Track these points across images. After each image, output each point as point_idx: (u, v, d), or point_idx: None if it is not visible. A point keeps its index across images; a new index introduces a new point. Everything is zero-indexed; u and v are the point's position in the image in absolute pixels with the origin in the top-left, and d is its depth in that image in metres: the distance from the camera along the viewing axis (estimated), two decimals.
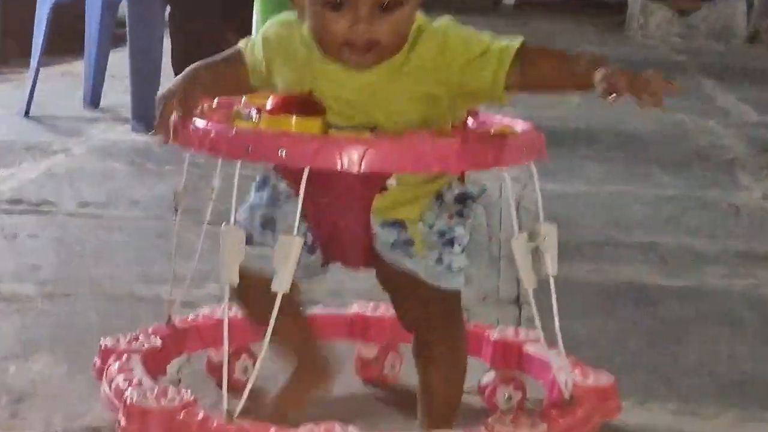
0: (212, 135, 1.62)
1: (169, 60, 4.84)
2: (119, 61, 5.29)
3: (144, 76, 4.71)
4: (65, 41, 5.48)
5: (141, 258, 3.08)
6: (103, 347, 1.95)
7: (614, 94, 1.55)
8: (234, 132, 1.63)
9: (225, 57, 1.82)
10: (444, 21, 1.73)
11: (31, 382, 2.17)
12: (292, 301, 1.78)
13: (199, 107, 1.75)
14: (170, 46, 4.90)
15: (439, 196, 1.78)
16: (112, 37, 5.23)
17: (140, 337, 1.96)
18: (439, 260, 1.75)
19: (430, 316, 1.82)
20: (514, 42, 1.66)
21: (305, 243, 1.73)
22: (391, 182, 1.71)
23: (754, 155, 4.93)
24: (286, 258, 1.58)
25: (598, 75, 1.56)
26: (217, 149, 1.62)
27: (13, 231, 3.23)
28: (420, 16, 1.72)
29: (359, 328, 2.19)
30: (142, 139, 4.59)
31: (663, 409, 2.21)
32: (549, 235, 1.78)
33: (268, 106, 1.71)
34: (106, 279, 2.88)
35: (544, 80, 1.69)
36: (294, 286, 1.69)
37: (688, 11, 10.43)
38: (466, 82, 1.69)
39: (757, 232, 3.64)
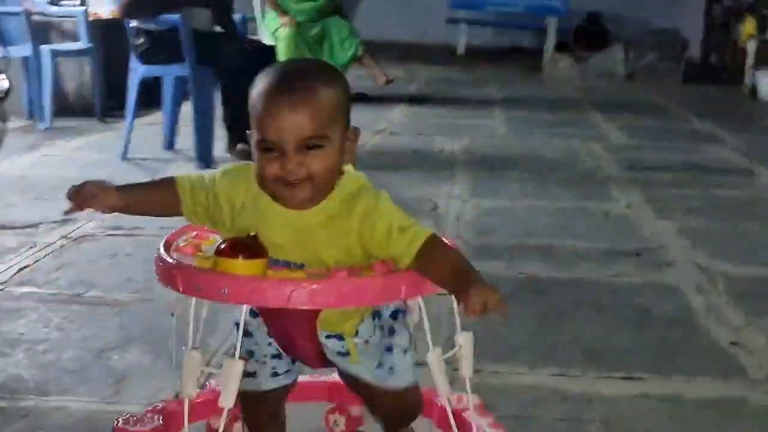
0: (173, 272, 1.41)
1: (221, 115, 4.86)
2: (187, 114, 5.11)
3: (203, 129, 4.68)
4: (150, 99, 5.40)
5: None
6: (115, 426, 1.65)
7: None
8: (186, 272, 1.40)
9: (158, 180, 1.56)
10: (381, 193, 1.45)
11: (127, 367, 2.21)
12: (274, 409, 1.64)
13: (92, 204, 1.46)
14: (221, 106, 4.90)
15: (376, 313, 1.53)
16: (182, 97, 5.15)
17: (146, 417, 1.66)
18: (380, 365, 1.53)
19: (388, 411, 1.62)
20: (423, 233, 1.41)
21: (276, 355, 1.56)
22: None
23: (622, 172, 4.85)
24: (228, 379, 1.38)
25: (461, 306, 1.33)
26: (175, 286, 1.39)
27: (113, 251, 3.16)
28: (363, 178, 1.48)
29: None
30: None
31: (546, 373, 2.27)
32: (465, 344, 1.54)
33: (217, 249, 1.43)
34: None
35: (430, 276, 1.40)
36: (278, 396, 1.60)
37: (583, 58, 10.31)
38: (379, 250, 1.43)
39: (619, 234, 3.59)
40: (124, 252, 3.18)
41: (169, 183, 1.51)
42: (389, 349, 1.54)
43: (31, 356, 2.26)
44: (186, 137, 5.19)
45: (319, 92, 1.39)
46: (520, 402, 2.10)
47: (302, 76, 1.41)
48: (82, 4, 6.24)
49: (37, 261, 3.03)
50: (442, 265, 1.38)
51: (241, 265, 1.39)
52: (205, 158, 4.60)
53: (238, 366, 1.38)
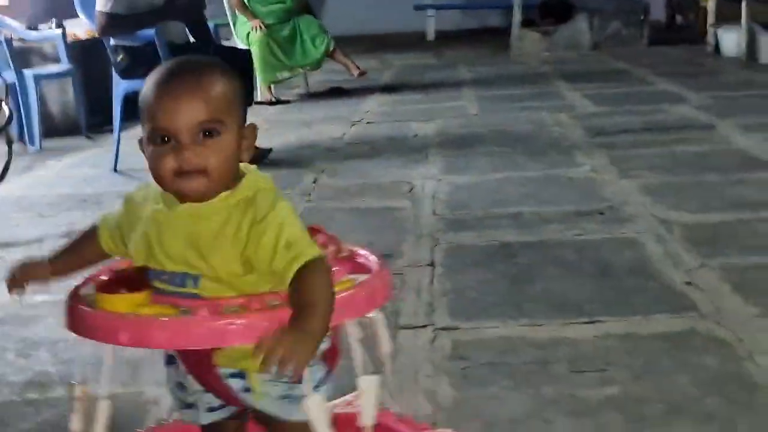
0: (70, 316, 1.37)
1: None
2: None
3: None
4: (134, 113, 5.51)
5: None
6: None
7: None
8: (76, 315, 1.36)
9: (84, 233, 1.50)
10: (280, 200, 1.35)
11: (140, 357, 2.37)
12: None
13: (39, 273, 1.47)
14: None
15: None
16: None
17: None
18: (285, 397, 1.39)
19: None
20: (308, 255, 1.29)
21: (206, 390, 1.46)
22: None
23: (587, 138, 5.08)
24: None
25: (268, 344, 1.21)
26: (72, 329, 1.36)
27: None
28: (265, 180, 1.39)
29: None
30: None
31: (516, 325, 2.50)
32: (368, 389, 1.43)
33: (98, 284, 1.43)
34: None
35: (289, 303, 1.29)
36: (227, 428, 1.52)
37: (550, 32, 10.54)
38: (263, 263, 1.32)
39: (584, 197, 3.82)
40: None
41: (90, 230, 1.49)
42: (298, 380, 1.34)
43: (53, 354, 2.49)
44: None
45: (212, 80, 1.34)
46: (493, 351, 2.34)
47: (194, 67, 1.36)
48: (59, 26, 6.43)
49: None
50: (306, 297, 1.27)
51: (127, 299, 1.35)
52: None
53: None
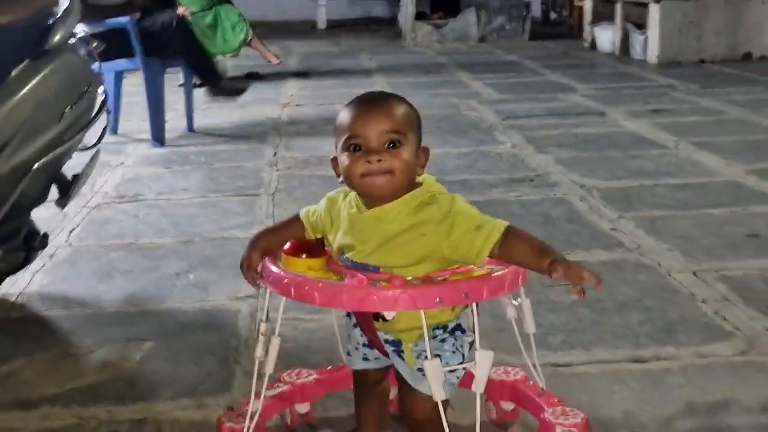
0: (264, 270, 1.73)
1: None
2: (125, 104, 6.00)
3: (156, 113, 5.48)
4: None
5: (204, 217, 3.86)
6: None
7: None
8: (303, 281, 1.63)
9: (285, 223, 1.82)
10: (456, 196, 1.68)
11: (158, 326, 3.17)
12: (372, 387, 1.88)
13: (256, 261, 1.74)
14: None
15: (437, 327, 1.70)
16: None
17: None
18: (421, 369, 1.64)
19: (413, 416, 1.71)
20: (500, 226, 1.60)
21: (367, 344, 1.79)
22: (390, 314, 1.65)
23: (500, 121, 5.94)
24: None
25: (554, 275, 1.54)
26: (265, 281, 1.72)
27: (134, 213, 3.99)
28: (437, 185, 1.71)
29: None
30: (161, 151, 5.32)
31: None
32: (481, 361, 1.60)
33: (284, 249, 1.74)
34: (190, 231, 3.69)
35: (514, 261, 1.61)
36: (373, 376, 1.85)
37: (440, 25, 11.44)
38: (456, 250, 1.60)
39: (513, 167, 4.66)
40: (142, 213, 4.05)
41: (296, 219, 1.80)
42: (436, 357, 1.63)
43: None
44: (126, 123, 6.04)
45: (396, 103, 1.66)
46: None
47: (382, 95, 1.70)
48: None
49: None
50: (523, 251, 1.58)
51: (302, 263, 1.70)
52: (159, 138, 5.45)
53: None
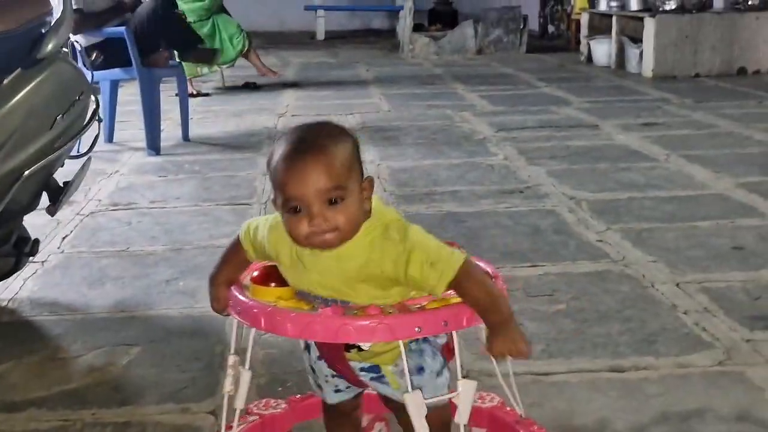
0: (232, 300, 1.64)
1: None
2: (119, 114, 6.07)
3: (151, 122, 5.52)
4: None
5: (196, 225, 3.92)
6: None
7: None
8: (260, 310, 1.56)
9: (230, 248, 1.71)
10: (410, 227, 1.55)
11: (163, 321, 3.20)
12: (346, 419, 1.84)
13: (225, 295, 1.66)
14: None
15: (411, 343, 1.64)
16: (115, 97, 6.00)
17: None
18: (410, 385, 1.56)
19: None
20: (454, 265, 1.50)
21: (336, 375, 1.71)
22: (366, 345, 1.59)
23: (493, 133, 5.99)
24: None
25: (490, 347, 1.54)
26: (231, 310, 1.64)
27: (127, 221, 4.05)
28: (386, 211, 1.58)
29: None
30: (156, 160, 5.37)
31: None
32: (464, 392, 1.56)
33: (252, 277, 1.67)
34: (182, 239, 3.73)
35: (466, 302, 1.53)
36: (346, 408, 1.80)
37: (438, 37, 11.51)
38: (414, 285, 1.54)
39: (504, 179, 4.70)
40: (136, 221, 4.09)
41: (236, 244, 1.68)
42: (420, 369, 1.63)
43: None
44: (121, 132, 6.10)
45: (332, 151, 1.49)
46: None
47: (314, 140, 1.50)
48: None
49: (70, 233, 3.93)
50: (473, 297, 1.52)
51: (272, 292, 1.62)
52: (154, 146, 5.50)
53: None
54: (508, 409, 1.93)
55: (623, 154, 5.30)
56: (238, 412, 1.73)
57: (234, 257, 1.70)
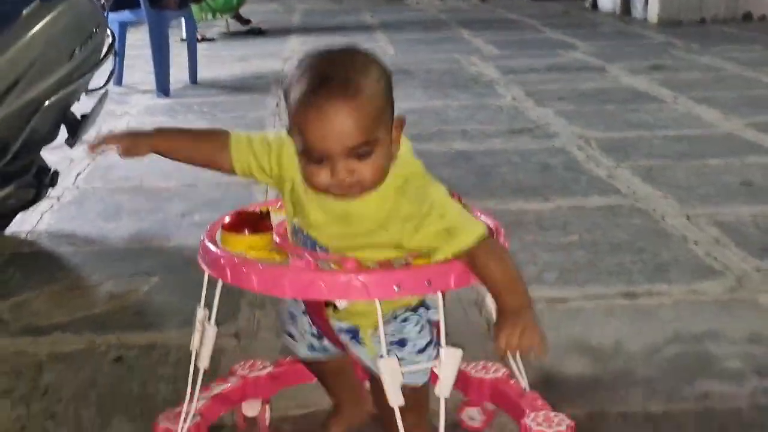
0: (201, 250, 1.46)
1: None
2: (127, 58, 6.09)
3: (161, 64, 5.55)
4: None
5: None
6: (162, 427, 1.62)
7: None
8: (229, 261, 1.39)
9: (210, 133, 1.50)
10: (433, 186, 1.37)
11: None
12: (331, 375, 1.71)
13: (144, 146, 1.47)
14: None
15: (398, 310, 1.47)
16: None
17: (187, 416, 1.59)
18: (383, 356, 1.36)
19: (388, 408, 1.36)
20: (472, 236, 1.32)
21: (315, 334, 1.56)
22: (342, 303, 1.39)
23: (502, 76, 6.01)
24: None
25: (498, 335, 1.31)
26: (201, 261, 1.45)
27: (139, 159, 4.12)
28: (411, 160, 1.39)
29: None
30: (165, 102, 5.40)
31: (492, 203, 3.38)
32: (446, 360, 1.36)
33: (223, 224, 1.51)
34: (194, 176, 3.42)
35: (479, 278, 1.35)
36: (324, 364, 1.65)
37: None
38: (419, 247, 1.36)
39: (513, 119, 4.73)
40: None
41: (221, 134, 1.47)
42: (401, 343, 1.46)
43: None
44: (130, 75, 6.11)
45: (363, 95, 1.28)
46: None
47: (343, 79, 1.28)
48: None
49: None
50: (490, 276, 1.33)
51: (243, 241, 1.46)
52: (164, 88, 5.51)
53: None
54: (512, 381, 1.78)
55: (631, 95, 5.31)
56: (201, 371, 1.54)
57: (201, 140, 1.50)
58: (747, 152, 4.00)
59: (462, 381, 1.75)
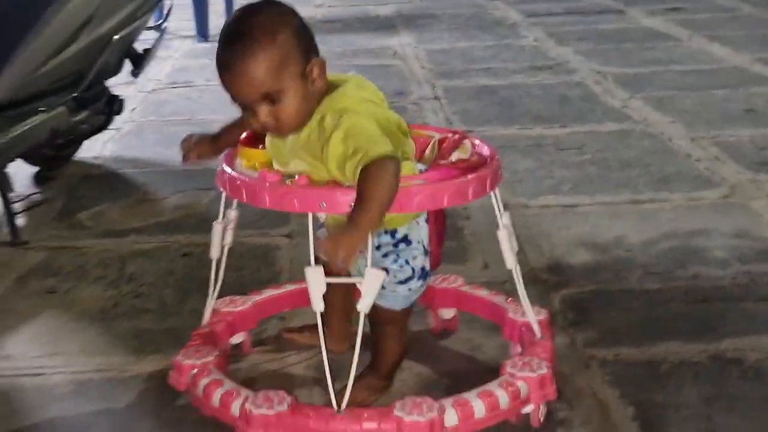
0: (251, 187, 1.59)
1: None
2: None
3: (200, 8, 5.86)
4: None
5: None
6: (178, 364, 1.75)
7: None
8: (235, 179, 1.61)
9: (235, 121, 1.75)
10: (350, 113, 1.51)
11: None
12: (345, 302, 1.84)
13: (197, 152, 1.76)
14: None
15: (384, 236, 1.65)
16: None
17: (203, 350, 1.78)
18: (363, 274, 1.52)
19: (375, 323, 1.70)
20: (365, 158, 1.43)
21: None
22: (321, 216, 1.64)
23: (524, 19, 6.28)
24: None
25: (324, 242, 1.41)
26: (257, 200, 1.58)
27: (187, 96, 4.40)
28: (345, 97, 1.55)
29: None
30: (205, 46, 5.71)
31: (515, 128, 3.72)
32: (369, 280, 1.49)
33: (240, 139, 1.70)
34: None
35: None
36: (347, 294, 1.80)
37: None
38: (335, 168, 1.49)
39: (534, 57, 5.04)
40: (195, 96, 4.48)
41: (240, 119, 1.68)
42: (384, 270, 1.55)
43: None
44: (170, 22, 6.41)
45: (261, 52, 1.45)
46: (500, 144, 3.53)
47: (245, 36, 1.46)
48: None
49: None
50: (359, 188, 1.43)
51: (257, 154, 1.65)
52: (204, 33, 5.84)
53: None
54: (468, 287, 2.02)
55: (648, 35, 5.59)
56: (214, 263, 1.83)
57: (232, 129, 1.76)
58: (753, 83, 4.30)
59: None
